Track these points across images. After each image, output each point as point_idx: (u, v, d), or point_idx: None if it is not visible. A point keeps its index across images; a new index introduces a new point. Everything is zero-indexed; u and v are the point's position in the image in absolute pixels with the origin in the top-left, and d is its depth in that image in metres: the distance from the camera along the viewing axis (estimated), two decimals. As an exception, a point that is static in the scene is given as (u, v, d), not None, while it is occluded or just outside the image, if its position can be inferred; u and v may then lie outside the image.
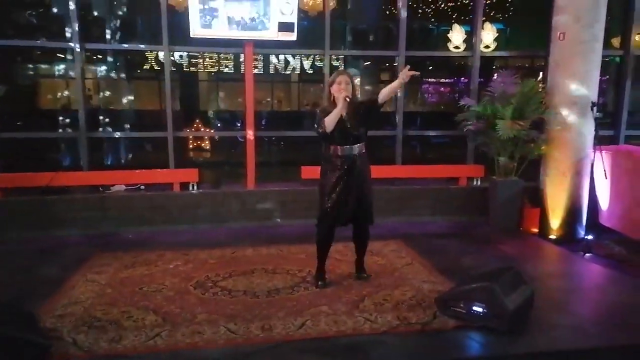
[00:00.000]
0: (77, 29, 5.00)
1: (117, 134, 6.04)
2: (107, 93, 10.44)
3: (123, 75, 9.28)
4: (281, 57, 12.17)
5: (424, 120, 11.38)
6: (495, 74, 6.02)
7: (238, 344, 2.75)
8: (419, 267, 4.05)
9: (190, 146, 10.34)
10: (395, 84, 3.37)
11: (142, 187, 5.37)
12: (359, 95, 3.50)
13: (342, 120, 3.36)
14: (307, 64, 12.23)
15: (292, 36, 5.13)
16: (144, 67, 11.52)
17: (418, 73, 3.33)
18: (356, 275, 3.76)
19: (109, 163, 7.18)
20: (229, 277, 3.82)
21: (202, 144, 10.71)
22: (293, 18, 5.06)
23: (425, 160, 8.04)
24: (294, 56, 11.38)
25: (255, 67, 12.98)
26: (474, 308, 2.96)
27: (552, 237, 5.10)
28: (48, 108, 10.23)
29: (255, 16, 4.99)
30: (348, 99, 3.30)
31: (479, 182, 5.86)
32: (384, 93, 3.37)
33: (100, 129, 6.18)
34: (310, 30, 6.59)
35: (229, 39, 5.11)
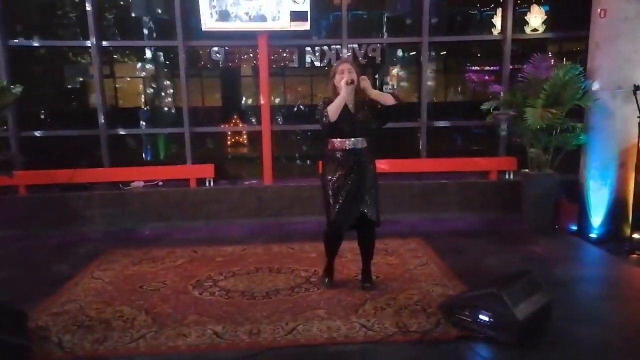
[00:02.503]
0: (94, 28, 5.06)
1: (135, 132, 6.08)
2: (150, 91, 10.78)
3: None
4: (317, 49, 11.99)
5: (465, 110, 10.81)
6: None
7: (220, 349, 2.63)
8: (433, 269, 3.77)
9: (229, 142, 10.46)
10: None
11: (160, 183, 5.39)
12: (368, 87, 3.21)
13: (348, 110, 3.13)
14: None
15: (306, 25, 4.93)
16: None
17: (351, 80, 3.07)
18: (360, 283, 3.46)
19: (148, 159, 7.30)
20: (231, 276, 3.71)
21: (240, 139, 10.79)
22: (306, 7, 4.86)
23: (467, 152, 7.61)
24: (329, 48, 11.17)
25: (291, 61, 12.87)
26: (480, 317, 2.68)
27: (592, 235, 4.64)
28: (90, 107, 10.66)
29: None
30: (349, 83, 3.05)
31: (511, 176, 5.44)
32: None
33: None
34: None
35: (242, 31, 4.99)
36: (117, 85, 13.16)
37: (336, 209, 3.16)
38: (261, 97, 5.28)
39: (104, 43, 5.30)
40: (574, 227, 4.84)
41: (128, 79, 12.21)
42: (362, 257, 3.46)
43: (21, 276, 3.82)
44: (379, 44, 6.89)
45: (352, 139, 3.16)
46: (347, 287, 3.44)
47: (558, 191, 4.90)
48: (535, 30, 5.72)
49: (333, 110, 3.03)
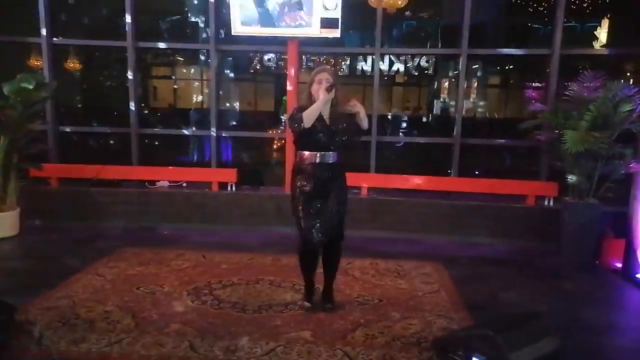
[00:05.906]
0: (130, 28, 5.20)
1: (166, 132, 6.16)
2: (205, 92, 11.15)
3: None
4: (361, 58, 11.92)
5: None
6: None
7: (190, 364, 2.52)
8: (443, 298, 3.47)
9: (275, 146, 10.51)
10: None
11: (184, 184, 5.42)
12: (362, 110, 3.04)
13: (323, 121, 2.98)
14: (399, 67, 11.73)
15: (336, 33, 4.78)
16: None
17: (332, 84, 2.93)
18: (321, 305, 3.23)
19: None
20: (230, 285, 3.61)
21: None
22: (337, 13, 4.71)
23: (516, 173, 7.13)
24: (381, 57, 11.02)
25: (340, 69, 12.79)
26: (474, 359, 2.39)
27: (639, 276, 4.12)
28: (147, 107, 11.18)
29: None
30: (329, 89, 2.89)
31: (551, 203, 4.98)
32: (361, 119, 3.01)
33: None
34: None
35: (271, 36, 4.92)
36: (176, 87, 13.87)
37: (306, 224, 2.99)
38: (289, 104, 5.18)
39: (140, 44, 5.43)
40: (619, 265, 4.34)
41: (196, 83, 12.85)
42: (324, 275, 3.27)
43: (33, 267, 3.92)
44: (413, 54, 6.63)
45: (324, 152, 2.99)
46: (343, 308, 3.24)
47: (603, 223, 4.42)
48: (604, 46, 5.29)
49: (309, 117, 2.87)
